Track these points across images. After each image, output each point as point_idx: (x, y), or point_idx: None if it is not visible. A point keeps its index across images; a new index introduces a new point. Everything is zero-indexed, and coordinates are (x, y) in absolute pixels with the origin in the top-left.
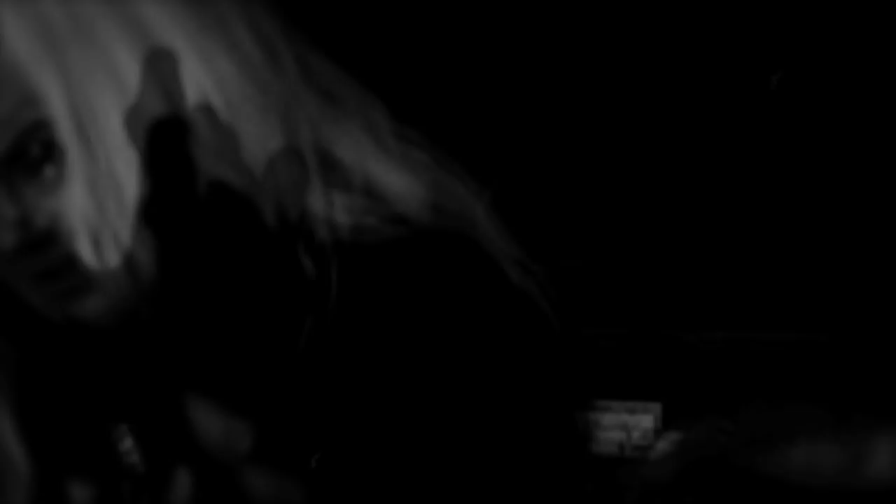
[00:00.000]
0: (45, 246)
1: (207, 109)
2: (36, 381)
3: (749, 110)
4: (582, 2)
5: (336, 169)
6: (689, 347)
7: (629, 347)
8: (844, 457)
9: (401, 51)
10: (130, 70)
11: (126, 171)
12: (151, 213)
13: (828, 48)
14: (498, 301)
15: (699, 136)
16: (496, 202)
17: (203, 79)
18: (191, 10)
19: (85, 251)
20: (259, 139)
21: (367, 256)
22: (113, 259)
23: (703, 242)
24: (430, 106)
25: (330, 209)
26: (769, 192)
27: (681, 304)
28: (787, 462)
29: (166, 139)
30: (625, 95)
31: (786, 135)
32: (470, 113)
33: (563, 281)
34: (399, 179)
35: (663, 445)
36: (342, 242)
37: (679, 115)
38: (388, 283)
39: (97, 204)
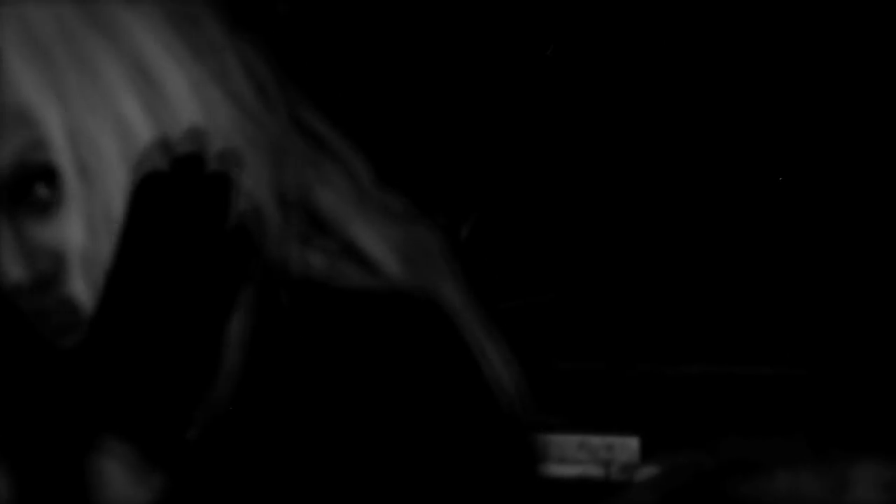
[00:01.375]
0: (48, 283)
1: (198, 139)
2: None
3: (728, 139)
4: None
5: (315, 212)
6: (668, 381)
7: (607, 381)
8: (825, 486)
9: (383, 96)
10: (127, 103)
11: (119, 208)
12: (123, 249)
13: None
14: (445, 369)
15: (676, 173)
16: (474, 236)
17: (194, 107)
18: (184, 40)
19: (78, 286)
20: (247, 173)
21: (333, 301)
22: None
23: (682, 277)
24: (410, 145)
25: (306, 251)
26: (747, 229)
27: (659, 338)
28: (769, 490)
29: (156, 174)
30: (600, 130)
31: (766, 171)
32: (449, 149)
33: (540, 315)
34: (374, 228)
35: (646, 473)
36: (314, 284)
37: (656, 148)
38: (346, 330)
39: (93, 238)
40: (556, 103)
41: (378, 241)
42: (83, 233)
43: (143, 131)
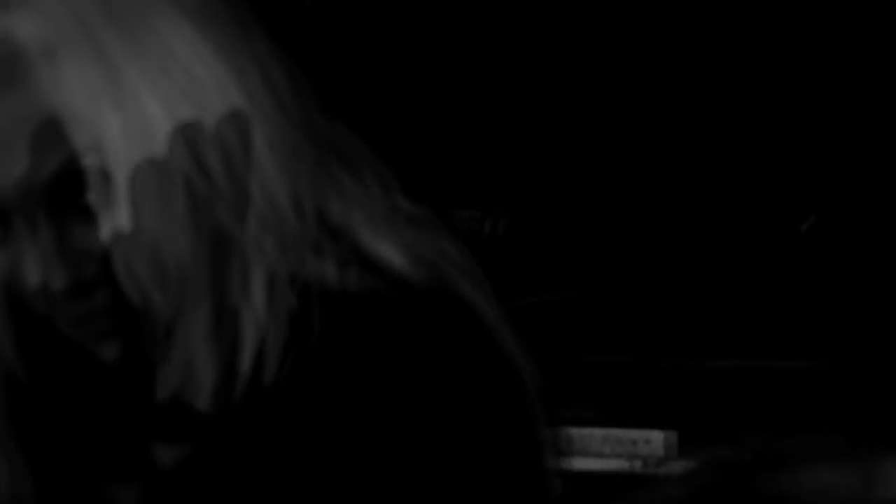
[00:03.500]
0: (91, 289)
1: (221, 145)
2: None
3: (754, 137)
4: (571, 62)
5: (329, 220)
6: (696, 375)
7: (635, 375)
8: (854, 481)
9: (410, 90)
10: (158, 115)
11: (145, 211)
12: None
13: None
14: (473, 359)
15: (705, 168)
16: (502, 230)
17: (217, 108)
18: (208, 39)
19: (126, 288)
20: (266, 181)
21: (349, 306)
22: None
23: (711, 271)
24: (437, 141)
25: (320, 257)
26: (774, 224)
27: (687, 332)
28: (798, 485)
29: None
30: (628, 126)
31: (786, 170)
32: (475, 145)
33: (569, 309)
34: (389, 235)
35: (674, 468)
36: (328, 290)
37: (684, 145)
38: (365, 334)
39: (115, 239)
40: (581, 100)
41: (393, 248)
42: (108, 237)
43: (170, 136)
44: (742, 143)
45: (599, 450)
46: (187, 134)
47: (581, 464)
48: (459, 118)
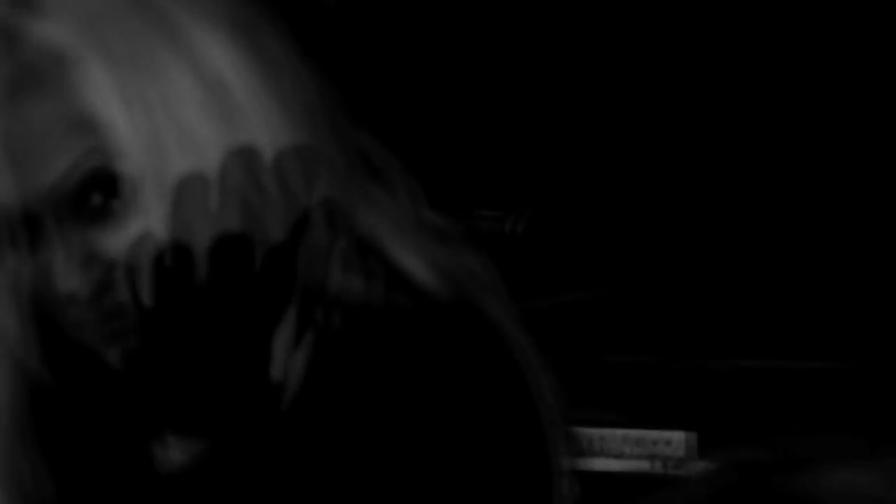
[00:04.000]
0: (104, 290)
1: (255, 156)
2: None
3: (782, 138)
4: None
5: (357, 233)
6: (719, 375)
7: (659, 376)
8: (879, 481)
9: (435, 89)
10: (195, 113)
11: (193, 212)
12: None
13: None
14: (491, 375)
15: (726, 170)
16: (526, 230)
17: (257, 119)
18: (247, 50)
19: (145, 293)
20: (297, 191)
21: (374, 320)
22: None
23: (735, 271)
24: (464, 140)
25: (346, 269)
26: (803, 222)
27: (710, 332)
28: (822, 486)
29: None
30: (654, 125)
31: (820, 168)
32: (502, 144)
33: (592, 309)
34: (416, 249)
35: (697, 468)
36: (353, 303)
37: (708, 142)
38: (388, 349)
39: (160, 234)
40: (606, 97)
41: (420, 262)
42: (150, 245)
43: (211, 143)
44: (764, 141)
45: (620, 450)
46: (225, 142)
47: (602, 464)
48: (481, 118)
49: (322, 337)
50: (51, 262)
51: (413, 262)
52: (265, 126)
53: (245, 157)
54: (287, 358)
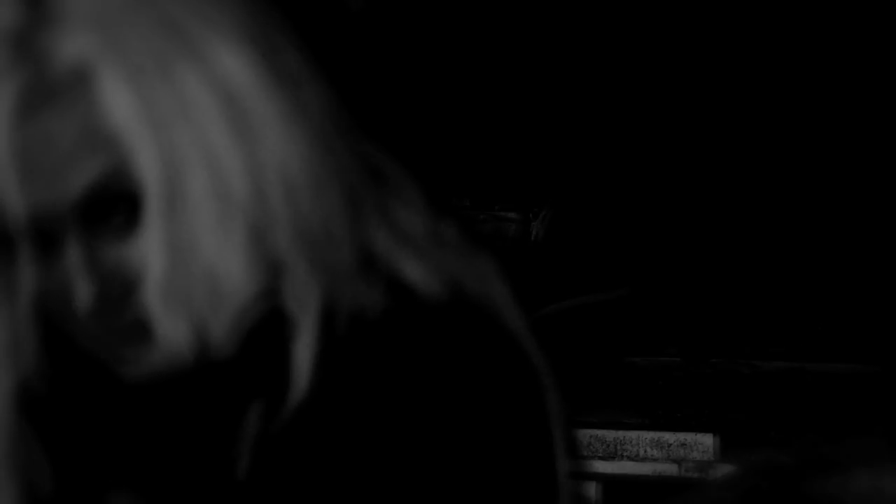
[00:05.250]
0: (116, 307)
1: (281, 180)
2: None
3: (810, 141)
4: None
5: (369, 247)
6: (744, 378)
7: (683, 378)
8: None
9: (459, 91)
10: (216, 132)
11: (205, 237)
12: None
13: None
14: (504, 377)
15: (752, 171)
16: (549, 231)
17: (280, 139)
18: (269, 67)
19: (155, 308)
20: (317, 212)
21: (382, 332)
22: (179, 321)
23: (759, 273)
24: (485, 141)
25: (356, 281)
26: (825, 225)
27: (735, 335)
28: (849, 489)
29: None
30: (675, 127)
31: (852, 175)
32: (523, 145)
33: (616, 310)
34: (426, 262)
35: (721, 472)
36: (362, 315)
37: (731, 145)
38: (396, 360)
39: (173, 268)
40: (628, 98)
41: (425, 271)
42: (164, 261)
43: (232, 162)
44: (794, 144)
45: (649, 453)
46: (244, 158)
47: (630, 468)
48: (506, 121)
49: (329, 347)
50: (65, 275)
51: (418, 271)
52: (280, 140)
53: (255, 173)
54: (299, 366)
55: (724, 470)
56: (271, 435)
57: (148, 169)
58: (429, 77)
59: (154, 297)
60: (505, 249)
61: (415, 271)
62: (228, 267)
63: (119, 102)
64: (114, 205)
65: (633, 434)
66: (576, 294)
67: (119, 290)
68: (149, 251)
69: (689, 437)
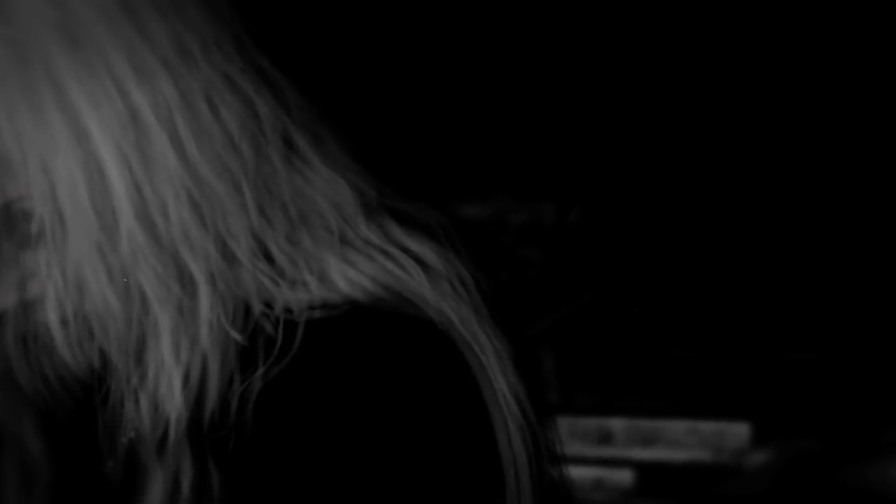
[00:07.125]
0: (31, 309)
1: (179, 187)
2: None
3: (832, 141)
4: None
5: (295, 253)
6: (779, 367)
7: (719, 368)
8: None
9: (492, 89)
10: (107, 151)
11: (88, 252)
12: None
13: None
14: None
15: (782, 159)
16: (586, 223)
17: (175, 161)
18: (175, 83)
19: (52, 318)
20: (226, 215)
21: (314, 336)
22: (75, 330)
23: (795, 266)
24: (516, 139)
25: (284, 287)
26: (858, 219)
27: (770, 325)
28: (884, 477)
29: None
30: (708, 124)
31: (874, 173)
32: (554, 141)
33: (653, 303)
34: (355, 268)
35: (757, 460)
36: (292, 321)
37: (762, 141)
38: (321, 362)
39: (64, 287)
40: (657, 95)
41: (351, 274)
42: (57, 277)
43: (119, 181)
44: (819, 140)
45: (684, 441)
46: (138, 180)
47: (665, 455)
48: (541, 115)
49: (251, 353)
50: None
51: (344, 273)
52: (185, 163)
53: (138, 199)
54: (206, 379)
55: (759, 458)
56: (189, 443)
57: (37, 191)
58: (473, 75)
59: (50, 304)
60: (541, 239)
61: (348, 273)
62: (108, 292)
63: (10, 124)
64: (20, 219)
65: (670, 422)
66: (611, 286)
67: (33, 295)
68: (45, 265)
69: (727, 425)
